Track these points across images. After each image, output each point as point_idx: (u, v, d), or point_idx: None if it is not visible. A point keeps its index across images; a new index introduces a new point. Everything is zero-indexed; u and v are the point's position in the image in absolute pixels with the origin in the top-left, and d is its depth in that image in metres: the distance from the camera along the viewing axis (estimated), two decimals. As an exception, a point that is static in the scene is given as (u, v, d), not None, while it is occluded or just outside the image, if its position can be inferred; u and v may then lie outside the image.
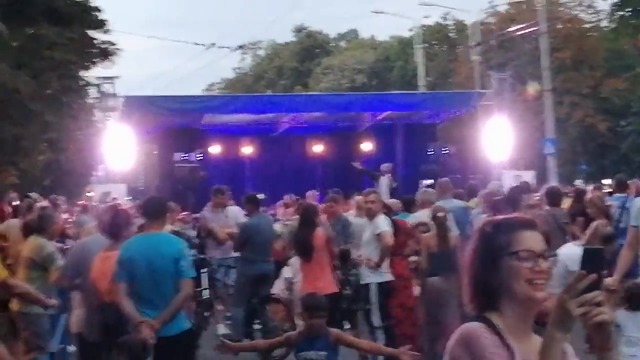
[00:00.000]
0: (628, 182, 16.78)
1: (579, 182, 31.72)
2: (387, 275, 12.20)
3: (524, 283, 3.30)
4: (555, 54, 44.35)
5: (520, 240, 3.36)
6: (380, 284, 12.14)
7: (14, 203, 19.23)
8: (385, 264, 12.16)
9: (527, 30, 41.89)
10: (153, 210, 8.84)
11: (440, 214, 12.45)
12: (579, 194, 17.02)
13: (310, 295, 8.59)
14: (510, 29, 44.91)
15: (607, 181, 36.65)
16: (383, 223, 12.19)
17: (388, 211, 13.23)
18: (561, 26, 49.34)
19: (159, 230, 8.79)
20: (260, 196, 16.46)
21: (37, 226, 11.49)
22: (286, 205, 21.25)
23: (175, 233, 12.90)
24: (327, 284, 12.07)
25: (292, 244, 13.14)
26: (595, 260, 3.15)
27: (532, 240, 3.37)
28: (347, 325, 13.09)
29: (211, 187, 17.63)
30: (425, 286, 12.23)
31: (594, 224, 12.02)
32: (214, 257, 15.81)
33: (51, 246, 11.24)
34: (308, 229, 12.30)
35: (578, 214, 14.50)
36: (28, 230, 11.93)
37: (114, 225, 9.19)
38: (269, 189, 26.74)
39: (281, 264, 16.17)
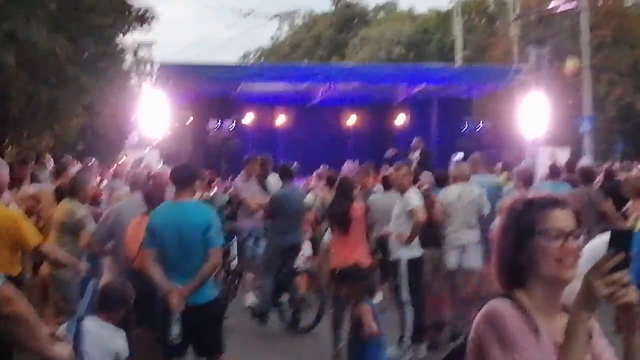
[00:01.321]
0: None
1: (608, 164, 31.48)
2: (416, 251, 12.13)
3: (553, 262, 3.30)
4: (595, 31, 43.89)
5: (550, 218, 3.34)
6: (410, 260, 12.07)
7: (48, 165, 19.31)
8: (416, 239, 12.09)
9: (567, 6, 41.46)
10: (182, 178, 8.84)
11: (424, 187, 12.52)
12: (609, 173, 16.90)
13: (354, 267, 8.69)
14: (550, 5, 44.48)
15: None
16: (415, 198, 12.11)
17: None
18: (602, 3, 48.83)
19: (189, 197, 8.78)
20: (293, 166, 16.40)
21: (70, 190, 11.53)
22: (319, 177, 21.22)
23: (208, 200, 12.93)
24: (363, 256, 12.07)
25: (328, 216, 13.08)
26: (623, 241, 3.13)
27: (562, 219, 3.35)
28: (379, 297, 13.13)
29: (244, 156, 17.64)
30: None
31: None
32: (244, 226, 15.82)
33: (83, 210, 11.28)
34: (345, 201, 12.28)
35: (608, 194, 14.40)
36: (60, 193, 11.99)
37: (154, 193, 9.24)
38: (302, 160, 26.70)
39: (313, 235, 16.21)
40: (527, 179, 13.23)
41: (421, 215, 11.89)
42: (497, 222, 3.58)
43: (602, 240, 9.86)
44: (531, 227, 3.33)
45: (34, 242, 8.45)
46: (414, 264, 12.06)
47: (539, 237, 3.31)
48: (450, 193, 13.19)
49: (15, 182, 12.23)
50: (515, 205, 3.47)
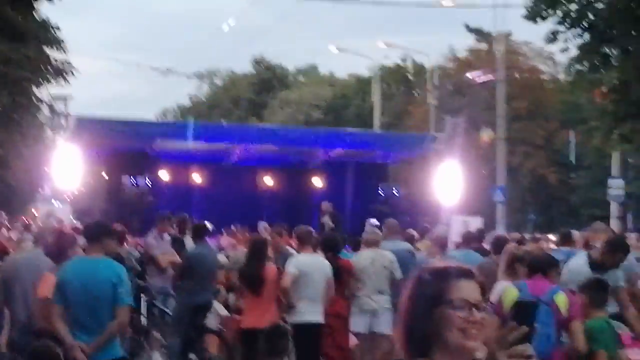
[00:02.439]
0: (576, 234, 16.80)
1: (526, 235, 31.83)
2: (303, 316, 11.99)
3: (457, 332, 3.30)
4: (511, 103, 44.69)
5: (457, 289, 3.34)
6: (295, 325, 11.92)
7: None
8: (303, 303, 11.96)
9: (484, 78, 42.21)
10: (93, 233, 8.68)
11: None
12: (520, 244, 17.06)
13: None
14: (467, 75, 45.25)
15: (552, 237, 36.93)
16: (289, 264, 12.16)
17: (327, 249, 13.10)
18: (519, 76, 49.80)
19: (99, 253, 8.59)
20: (208, 226, 16.29)
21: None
22: (232, 236, 21.13)
23: (119, 257, 12.72)
24: (275, 319, 11.95)
25: (240, 277, 12.94)
26: (527, 313, 3.19)
27: (468, 289, 3.35)
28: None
29: (158, 213, 17.49)
30: None
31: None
32: (154, 284, 15.63)
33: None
34: (258, 262, 12.18)
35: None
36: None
37: (58, 248, 9.05)
38: (217, 219, 26.54)
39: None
40: (442, 245, 13.27)
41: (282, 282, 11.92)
42: (404, 291, 3.51)
43: (582, 260, 9.91)
44: (438, 297, 3.33)
45: None
46: (299, 329, 11.87)
47: (445, 307, 3.31)
48: (362, 257, 13.17)
49: None
50: (423, 274, 3.45)
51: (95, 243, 8.60)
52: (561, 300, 8.63)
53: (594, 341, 8.68)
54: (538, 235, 23.20)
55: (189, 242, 16.25)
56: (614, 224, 33.30)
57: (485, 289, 3.35)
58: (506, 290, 8.90)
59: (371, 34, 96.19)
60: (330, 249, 12.94)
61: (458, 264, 3.51)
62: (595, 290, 9.11)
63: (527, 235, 23.82)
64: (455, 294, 3.32)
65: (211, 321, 14.93)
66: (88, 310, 8.29)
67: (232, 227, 21.83)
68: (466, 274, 3.41)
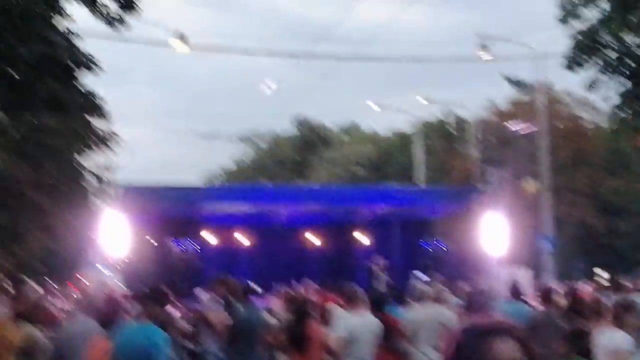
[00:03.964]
0: (625, 282, 16.75)
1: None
2: None
3: None
4: (554, 153, 44.59)
5: (492, 350, 3.17)
6: None
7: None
8: None
9: (527, 130, 42.18)
10: (142, 300, 8.83)
11: None
12: (574, 293, 17.01)
13: None
14: (510, 127, 45.24)
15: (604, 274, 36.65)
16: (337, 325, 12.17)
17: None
18: (562, 126, 49.71)
19: (145, 320, 8.71)
20: (255, 287, 16.41)
21: (28, 314, 11.44)
22: (279, 297, 21.19)
23: (166, 321, 12.83)
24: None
25: (286, 337, 13.00)
26: None
27: (505, 350, 3.17)
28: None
29: (206, 277, 17.62)
30: None
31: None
32: (208, 345, 15.70)
33: (39, 334, 11.18)
34: (302, 321, 12.22)
35: (574, 314, 14.46)
36: (18, 316, 11.88)
37: (108, 315, 9.21)
38: (265, 281, 26.64)
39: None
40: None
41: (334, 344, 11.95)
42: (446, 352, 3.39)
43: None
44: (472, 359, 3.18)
45: None
46: None
47: None
48: (418, 313, 13.21)
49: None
50: (460, 334, 3.30)
51: (146, 309, 8.74)
52: None
53: None
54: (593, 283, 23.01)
55: (239, 305, 16.36)
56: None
57: (528, 345, 3.21)
58: None
59: (410, 89, 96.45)
60: (377, 306, 12.95)
61: (496, 321, 3.35)
62: None
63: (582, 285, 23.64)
64: (490, 356, 3.15)
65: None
66: None
67: (280, 288, 21.87)
68: (502, 332, 3.22)
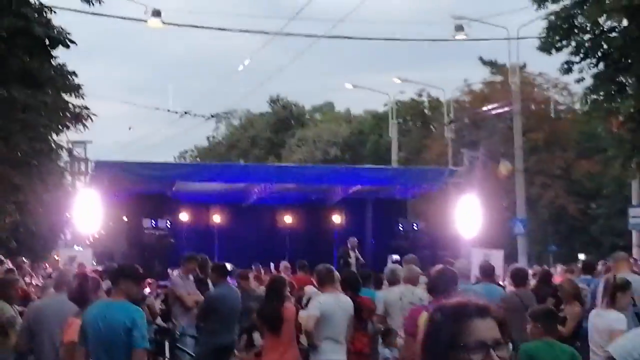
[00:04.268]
0: (598, 263, 16.82)
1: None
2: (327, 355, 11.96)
3: None
4: (528, 134, 44.68)
5: (471, 330, 3.09)
6: None
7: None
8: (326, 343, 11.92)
9: (501, 110, 42.23)
10: (113, 277, 8.76)
11: None
12: (546, 276, 17.05)
13: None
14: (484, 108, 45.28)
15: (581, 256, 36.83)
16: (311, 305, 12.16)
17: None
18: (534, 107, 49.78)
19: (119, 297, 8.63)
20: (230, 266, 16.35)
21: (0, 290, 11.35)
22: (254, 277, 21.13)
23: (141, 299, 12.75)
24: (294, 358, 11.97)
25: (259, 317, 12.93)
26: None
27: (484, 329, 3.10)
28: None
29: (179, 255, 17.54)
30: None
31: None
32: (180, 323, 15.63)
33: (11, 310, 11.10)
34: (277, 301, 12.15)
35: (545, 296, 14.50)
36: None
37: (82, 292, 9.10)
38: (238, 259, 26.57)
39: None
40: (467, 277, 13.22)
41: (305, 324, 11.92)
42: (421, 332, 3.29)
43: None
44: (451, 340, 3.09)
45: None
46: None
47: (459, 351, 3.07)
48: (390, 293, 13.20)
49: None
50: (436, 314, 3.22)
51: (116, 286, 8.67)
52: None
53: None
54: (566, 266, 23.05)
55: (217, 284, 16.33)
56: (636, 253, 33.13)
57: (506, 325, 3.13)
58: None
59: (386, 69, 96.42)
60: (350, 287, 12.92)
61: (472, 301, 3.25)
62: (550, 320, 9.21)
63: (553, 268, 23.73)
64: (469, 336, 3.07)
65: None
66: (105, 353, 8.34)
67: (253, 267, 21.81)
68: (481, 311, 3.16)
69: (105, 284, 10.13)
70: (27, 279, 18.84)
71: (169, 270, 23.34)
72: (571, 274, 18.03)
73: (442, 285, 9.94)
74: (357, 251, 25.91)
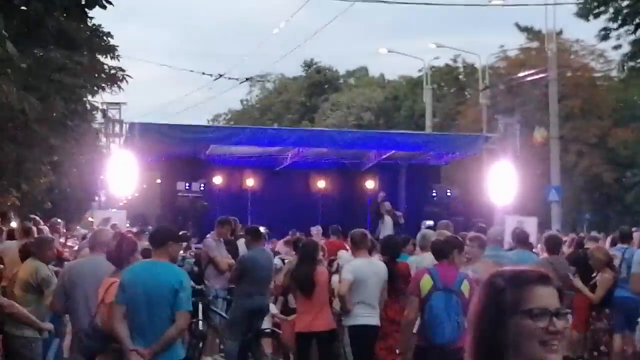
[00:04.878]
0: (633, 232, 16.67)
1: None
2: (357, 319, 11.93)
3: (537, 344, 3.04)
4: (563, 102, 44.31)
5: (535, 296, 3.08)
6: (351, 327, 11.95)
7: (11, 225, 19.15)
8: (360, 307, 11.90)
9: (536, 77, 41.87)
10: (158, 239, 8.76)
11: None
12: (578, 244, 16.97)
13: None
14: (519, 74, 44.89)
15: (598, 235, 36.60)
16: (344, 269, 12.12)
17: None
18: (571, 74, 49.33)
19: (164, 258, 8.69)
20: (263, 229, 16.37)
21: (35, 249, 11.44)
22: (287, 243, 21.19)
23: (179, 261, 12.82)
24: (327, 321, 12.02)
25: (291, 280, 12.96)
26: None
27: (546, 296, 3.10)
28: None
29: (212, 218, 17.60)
30: None
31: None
32: (213, 286, 15.70)
33: (47, 270, 11.18)
34: (308, 265, 12.18)
35: (575, 264, 14.45)
36: (25, 253, 11.87)
37: (120, 253, 9.13)
38: (271, 223, 26.65)
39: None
40: (482, 245, 13.03)
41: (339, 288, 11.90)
42: (474, 297, 3.26)
43: None
44: (513, 305, 3.07)
45: None
46: (355, 332, 11.87)
47: (522, 317, 3.05)
48: (425, 260, 13.14)
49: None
50: (495, 280, 3.17)
51: (160, 247, 8.70)
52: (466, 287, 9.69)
53: None
54: (597, 235, 22.88)
55: (241, 246, 16.35)
56: (671, 222, 32.88)
57: (563, 295, 3.11)
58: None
59: (421, 35, 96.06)
60: (390, 252, 12.84)
61: (533, 269, 3.24)
62: None
63: (582, 234, 23.61)
64: (533, 302, 3.07)
65: (266, 323, 14.99)
66: (148, 314, 8.36)
67: (289, 234, 21.79)
68: (544, 279, 3.14)
69: (140, 245, 10.15)
70: (62, 240, 18.94)
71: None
72: (596, 242, 17.88)
73: (442, 252, 10.32)
74: (393, 215, 25.88)
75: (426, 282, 9.90)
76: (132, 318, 8.38)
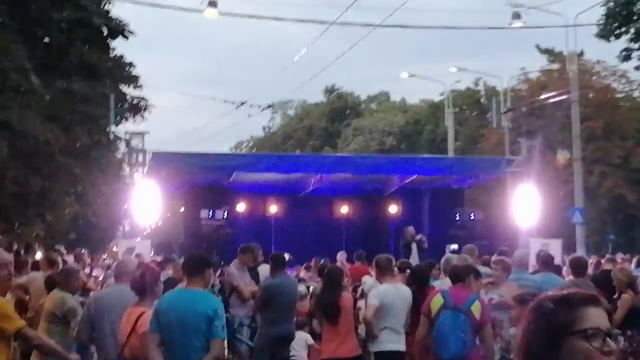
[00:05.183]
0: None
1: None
2: (383, 345, 11.92)
3: None
4: (586, 123, 44.20)
5: (587, 317, 3.09)
6: (377, 353, 11.95)
7: (37, 256, 19.26)
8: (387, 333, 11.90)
9: (558, 98, 41.79)
10: (193, 266, 8.82)
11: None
12: (599, 265, 16.90)
13: None
14: (541, 97, 44.81)
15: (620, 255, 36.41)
16: (370, 295, 12.12)
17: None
18: (593, 95, 49.22)
19: (199, 286, 8.74)
20: (287, 256, 16.39)
21: (60, 280, 11.49)
22: (310, 267, 21.18)
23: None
24: (353, 347, 12.01)
25: (316, 306, 12.97)
26: None
27: (598, 317, 3.11)
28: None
29: (236, 245, 17.62)
30: None
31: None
32: (237, 314, 15.71)
33: (73, 300, 11.22)
34: (334, 291, 12.18)
35: (602, 284, 14.37)
36: (51, 284, 11.93)
37: (143, 282, 9.15)
38: (295, 249, 26.65)
39: (305, 325, 16.10)
40: (506, 269, 13.02)
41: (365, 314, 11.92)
42: (522, 322, 3.27)
43: None
44: (565, 327, 3.07)
45: (16, 325, 8.28)
46: (382, 357, 11.89)
47: (575, 338, 3.05)
48: (445, 283, 13.11)
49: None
50: (543, 303, 3.19)
51: (196, 275, 8.74)
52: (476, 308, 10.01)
53: None
54: (614, 257, 22.75)
55: (262, 272, 16.41)
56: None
57: (611, 316, 3.08)
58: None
59: (442, 58, 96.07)
60: (418, 282, 12.82)
61: (580, 291, 3.26)
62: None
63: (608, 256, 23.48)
64: (586, 322, 3.07)
65: (301, 352, 14.98)
66: (182, 342, 8.39)
67: (313, 262, 21.78)
68: (593, 300, 3.16)
69: (165, 274, 10.19)
70: (87, 270, 19.03)
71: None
72: (613, 264, 17.80)
73: (458, 276, 10.57)
74: (418, 241, 25.80)
75: (437, 302, 10.18)
76: (166, 346, 8.42)
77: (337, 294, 12.14)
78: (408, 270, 14.38)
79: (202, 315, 8.38)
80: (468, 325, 9.95)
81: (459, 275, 10.60)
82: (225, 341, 8.76)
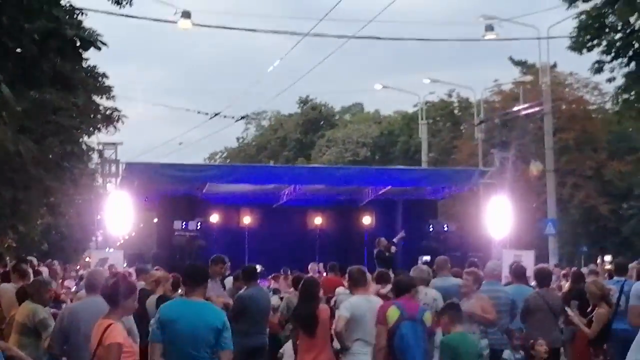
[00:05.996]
0: (629, 265, 16.63)
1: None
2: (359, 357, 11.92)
3: None
4: (558, 135, 44.43)
5: None
6: None
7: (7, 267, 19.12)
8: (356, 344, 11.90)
9: (531, 110, 41.97)
10: (195, 278, 8.85)
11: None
12: (578, 277, 16.91)
13: None
14: (514, 108, 45.01)
15: (607, 257, 36.61)
16: (342, 307, 12.11)
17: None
18: (565, 107, 49.46)
19: (200, 298, 8.81)
20: (259, 268, 16.35)
21: (32, 292, 11.42)
22: (285, 278, 21.14)
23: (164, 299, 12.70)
24: (329, 358, 11.98)
25: (293, 319, 12.92)
26: None
27: None
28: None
29: (209, 256, 17.57)
30: None
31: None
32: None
33: (44, 312, 11.15)
34: (311, 303, 12.13)
35: (577, 297, 14.41)
36: (22, 295, 11.85)
37: (115, 293, 9.10)
38: (268, 260, 26.61)
39: (277, 337, 16.05)
40: (477, 280, 13.08)
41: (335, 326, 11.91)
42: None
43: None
44: None
45: None
46: None
47: None
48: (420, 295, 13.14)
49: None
50: None
51: (197, 287, 8.82)
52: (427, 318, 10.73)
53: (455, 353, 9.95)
54: (595, 269, 22.78)
55: (227, 284, 16.46)
56: (668, 253, 32.83)
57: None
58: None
59: (415, 70, 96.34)
60: (401, 292, 12.80)
61: None
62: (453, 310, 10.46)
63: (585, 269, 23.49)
64: None
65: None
66: (190, 353, 8.43)
67: (282, 272, 21.75)
68: None
69: (138, 285, 10.13)
70: (59, 281, 18.91)
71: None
72: (596, 276, 17.86)
73: (401, 289, 11.23)
74: (389, 250, 25.76)
75: (394, 312, 10.59)
76: (171, 357, 8.47)
77: (314, 306, 12.10)
78: (389, 285, 14.35)
79: (212, 327, 8.48)
80: (425, 334, 10.63)
81: (407, 287, 11.21)
82: (232, 352, 8.77)
